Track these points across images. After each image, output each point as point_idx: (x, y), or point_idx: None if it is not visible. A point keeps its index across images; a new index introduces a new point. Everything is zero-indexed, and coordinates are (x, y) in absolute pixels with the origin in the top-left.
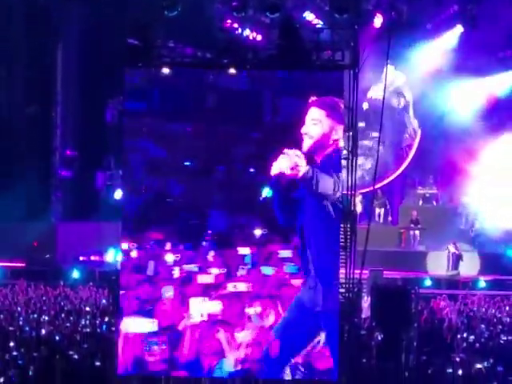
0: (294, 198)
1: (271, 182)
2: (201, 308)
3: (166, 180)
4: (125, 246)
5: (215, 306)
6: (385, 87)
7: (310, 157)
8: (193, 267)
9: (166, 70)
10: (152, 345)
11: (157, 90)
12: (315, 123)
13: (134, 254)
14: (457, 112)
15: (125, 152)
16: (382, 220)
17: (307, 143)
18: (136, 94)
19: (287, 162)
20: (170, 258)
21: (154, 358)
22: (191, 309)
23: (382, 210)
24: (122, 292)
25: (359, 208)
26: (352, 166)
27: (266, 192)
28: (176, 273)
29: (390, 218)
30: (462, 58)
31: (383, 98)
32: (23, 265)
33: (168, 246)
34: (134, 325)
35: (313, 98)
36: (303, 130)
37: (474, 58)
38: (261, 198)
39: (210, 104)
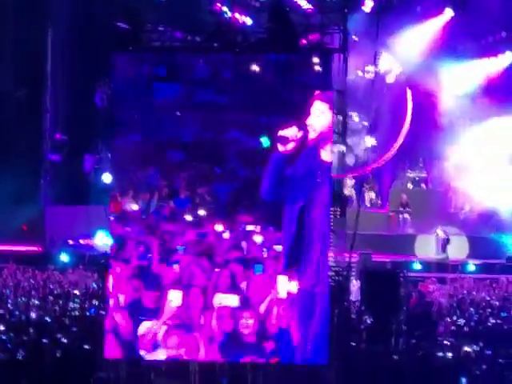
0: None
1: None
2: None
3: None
4: (219, 227)
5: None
6: (375, 69)
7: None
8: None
9: None
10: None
11: None
12: (319, 115)
13: (226, 235)
14: (446, 96)
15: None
16: (372, 204)
17: (311, 135)
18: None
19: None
20: (258, 239)
21: (248, 330)
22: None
23: (373, 193)
24: (216, 270)
25: (351, 192)
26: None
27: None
28: (265, 253)
29: (379, 202)
30: (451, 42)
31: (373, 81)
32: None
33: (258, 228)
34: (226, 300)
35: (317, 92)
36: (308, 121)
37: (462, 42)
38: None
39: None
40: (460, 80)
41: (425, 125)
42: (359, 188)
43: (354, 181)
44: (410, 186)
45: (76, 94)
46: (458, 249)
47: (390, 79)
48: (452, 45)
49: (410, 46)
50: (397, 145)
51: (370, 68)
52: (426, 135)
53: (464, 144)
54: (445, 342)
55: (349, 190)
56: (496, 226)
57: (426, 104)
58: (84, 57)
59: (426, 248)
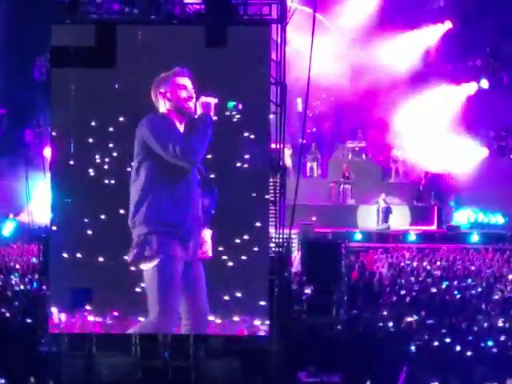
0: None
1: None
2: None
3: None
4: None
5: None
6: (312, 39)
7: None
8: None
9: None
10: None
11: None
12: None
13: None
14: (387, 66)
15: None
16: (314, 174)
17: None
18: None
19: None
20: None
21: None
22: None
23: (315, 163)
24: None
25: (289, 162)
26: (281, 119)
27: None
28: None
29: (319, 172)
30: (390, 12)
31: (311, 51)
32: None
33: None
34: None
35: None
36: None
37: (402, 12)
38: None
39: None
40: (400, 50)
41: (363, 94)
42: (298, 158)
43: (291, 150)
44: (350, 156)
45: (14, 67)
46: (400, 218)
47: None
48: (391, 16)
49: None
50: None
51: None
52: (365, 104)
53: (404, 113)
54: (386, 312)
55: (288, 160)
56: (437, 195)
57: (365, 75)
58: (22, 29)
59: (368, 218)
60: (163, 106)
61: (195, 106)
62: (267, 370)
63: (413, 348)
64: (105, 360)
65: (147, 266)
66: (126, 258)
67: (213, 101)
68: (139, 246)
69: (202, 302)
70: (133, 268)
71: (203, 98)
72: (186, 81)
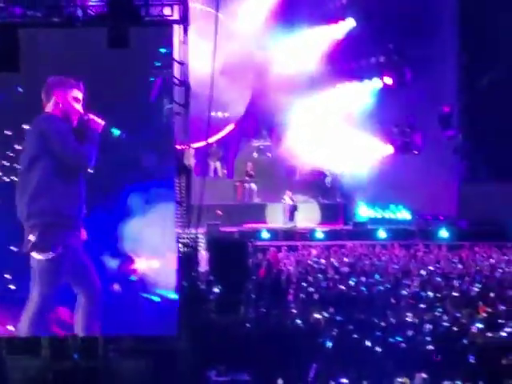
0: None
1: None
2: None
3: None
4: None
5: None
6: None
7: None
8: None
9: None
10: None
11: None
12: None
13: None
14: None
15: None
16: (219, 174)
17: None
18: None
19: None
20: None
21: None
22: None
23: (218, 163)
24: None
25: (191, 162)
26: (185, 120)
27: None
28: None
29: (225, 171)
30: (291, 10)
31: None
32: None
33: None
34: None
35: None
36: None
37: (303, 10)
38: None
39: None
40: (301, 49)
41: (267, 93)
42: (202, 158)
43: (193, 150)
44: (255, 155)
45: None
46: (309, 216)
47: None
48: (292, 14)
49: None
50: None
51: None
52: (269, 104)
53: (306, 111)
54: (294, 310)
55: (190, 159)
56: (343, 193)
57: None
58: None
59: (277, 217)
60: (51, 108)
61: (83, 119)
62: (177, 369)
63: (329, 344)
64: (15, 363)
65: (41, 257)
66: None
67: (101, 123)
68: (35, 237)
69: (93, 281)
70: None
71: (93, 116)
72: (79, 94)
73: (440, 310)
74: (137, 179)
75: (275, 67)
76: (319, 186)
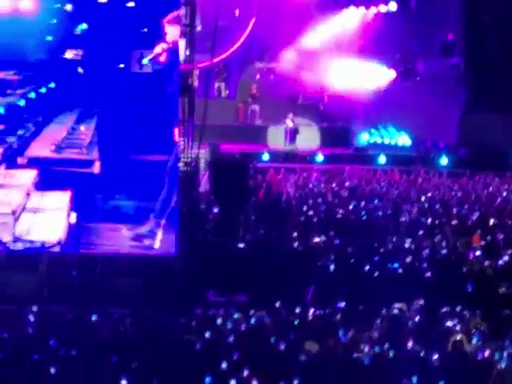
0: None
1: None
2: None
3: None
4: None
5: None
6: None
7: None
8: None
9: None
10: None
11: None
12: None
13: None
14: None
15: None
16: (222, 94)
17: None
18: None
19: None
20: None
21: None
22: None
23: (222, 84)
24: None
25: (196, 83)
26: (190, 40)
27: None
28: None
29: (227, 92)
30: None
31: None
32: None
33: None
34: None
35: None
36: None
37: None
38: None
39: None
40: None
41: (273, 16)
42: (206, 78)
43: (197, 71)
44: (258, 76)
45: None
46: (309, 139)
47: None
48: None
49: None
50: (243, 36)
51: None
52: (275, 26)
53: (314, 32)
54: (294, 232)
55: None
56: (347, 116)
57: None
58: None
59: (278, 139)
60: None
61: None
62: (173, 288)
63: (332, 267)
64: (12, 278)
65: None
66: None
67: None
68: None
69: None
70: None
71: None
72: None
73: (439, 236)
74: None
75: None
76: (319, 109)
